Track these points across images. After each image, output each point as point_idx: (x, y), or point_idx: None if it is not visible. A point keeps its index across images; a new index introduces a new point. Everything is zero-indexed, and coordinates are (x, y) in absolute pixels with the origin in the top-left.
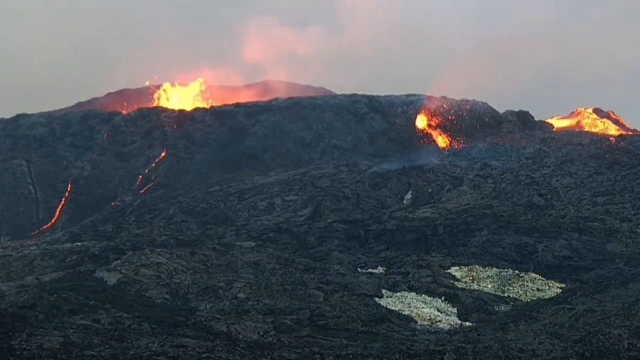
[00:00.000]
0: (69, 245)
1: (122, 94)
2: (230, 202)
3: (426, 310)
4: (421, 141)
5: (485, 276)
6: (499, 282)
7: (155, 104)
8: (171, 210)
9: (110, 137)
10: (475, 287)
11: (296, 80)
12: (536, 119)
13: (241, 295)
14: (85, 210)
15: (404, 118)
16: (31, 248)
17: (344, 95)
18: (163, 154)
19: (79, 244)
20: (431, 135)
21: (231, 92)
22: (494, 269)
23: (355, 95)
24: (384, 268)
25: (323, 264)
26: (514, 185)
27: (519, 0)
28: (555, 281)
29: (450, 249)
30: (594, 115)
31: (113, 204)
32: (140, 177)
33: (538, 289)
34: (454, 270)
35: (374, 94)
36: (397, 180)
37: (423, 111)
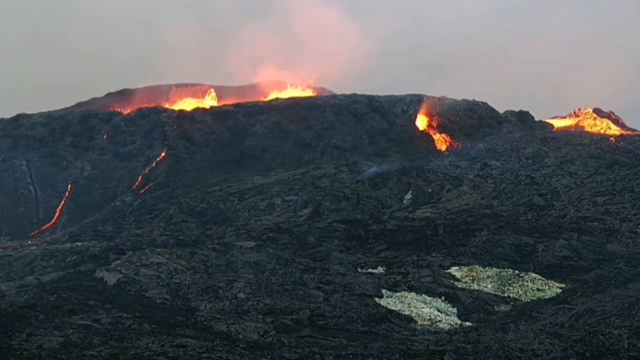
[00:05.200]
0: (69, 245)
1: (122, 94)
2: (230, 202)
3: (426, 310)
4: (421, 141)
5: (485, 276)
6: (499, 282)
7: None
8: (171, 210)
9: (110, 137)
10: (475, 287)
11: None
12: (536, 119)
13: (241, 295)
14: (85, 210)
15: (404, 118)
16: (31, 248)
17: (344, 95)
18: (163, 154)
19: (79, 244)
20: (431, 135)
21: (231, 91)
22: (494, 269)
23: (355, 95)
24: (384, 268)
25: (323, 264)
26: (514, 185)
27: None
28: (555, 281)
29: (450, 249)
30: (594, 115)
31: (113, 204)
32: (140, 177)
33: (538, 289)
34: (454, 270)
35: (374, 94)
36: (397, 180)
37: (423, 111)
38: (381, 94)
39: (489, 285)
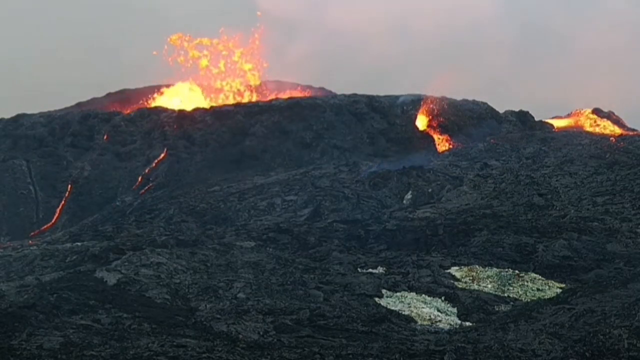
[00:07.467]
0: (69, 245)
1: (122, 94)
2: (230, 202)
3: (426, 310)
4: (421, 141)
5: (485, 276)
6: (499, 282)
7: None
8: (171, 210)
9: (110, 137)
10: (475, 287)
11: (296, 80)
12: (536, 119)
13: (241, 295)
14: (85, 210)
15: (404, 118)
16: (31, 248)
17: (344, 95)
18: (163, 154)
19: (79, 244)
20: (431, 136)
21: (231, 91)
22: (494, 269)
23: (355, 95)
24: (384, 268)
25: (323, 264)
26: (514, 185)
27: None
28: (555, 281)
29: (450, 249)
30: (594, 116)
31: (113, 204)
32: (140, 177)
33: (538, 289)
34: (454, 270)
35: (374, 94)
36: (397, 180)
37: (423, 111)
38: (381, 93)
39: (489, 285)
